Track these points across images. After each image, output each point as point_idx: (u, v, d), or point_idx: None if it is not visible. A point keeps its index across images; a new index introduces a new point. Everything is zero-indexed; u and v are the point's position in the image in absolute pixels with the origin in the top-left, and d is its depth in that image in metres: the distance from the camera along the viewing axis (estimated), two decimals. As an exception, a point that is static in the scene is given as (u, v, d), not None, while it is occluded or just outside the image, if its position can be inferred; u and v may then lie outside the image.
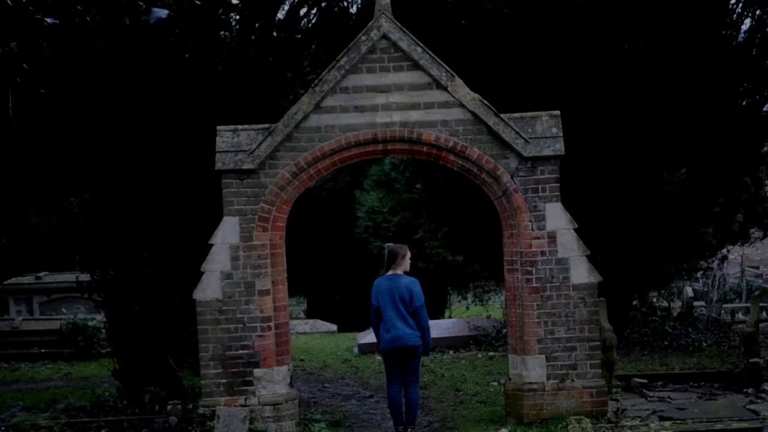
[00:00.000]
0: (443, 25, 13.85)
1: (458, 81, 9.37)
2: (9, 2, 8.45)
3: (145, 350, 11.19)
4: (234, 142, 9.36)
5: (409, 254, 9.40)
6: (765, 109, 15.48)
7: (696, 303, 19.28)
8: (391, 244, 10.62)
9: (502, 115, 9.33)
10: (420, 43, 9.36)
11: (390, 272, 9.22)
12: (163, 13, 9.54)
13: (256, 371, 9.28)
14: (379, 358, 14.91)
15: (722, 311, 19.39)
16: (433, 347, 15.55)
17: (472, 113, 9.34)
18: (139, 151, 11.00)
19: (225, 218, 9.33)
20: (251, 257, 9.28)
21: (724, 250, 18.46)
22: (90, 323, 16.84)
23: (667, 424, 8.78)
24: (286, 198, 9.41)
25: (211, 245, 9.31)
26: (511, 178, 9.33)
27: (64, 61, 10.55)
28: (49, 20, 8.80)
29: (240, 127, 9.47)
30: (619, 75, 13.51)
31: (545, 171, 9.33)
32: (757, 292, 17.18)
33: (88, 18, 9.80)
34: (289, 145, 9.37)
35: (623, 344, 14.03)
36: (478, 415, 10.25)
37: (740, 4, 14.91)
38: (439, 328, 16.72)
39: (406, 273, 9.25)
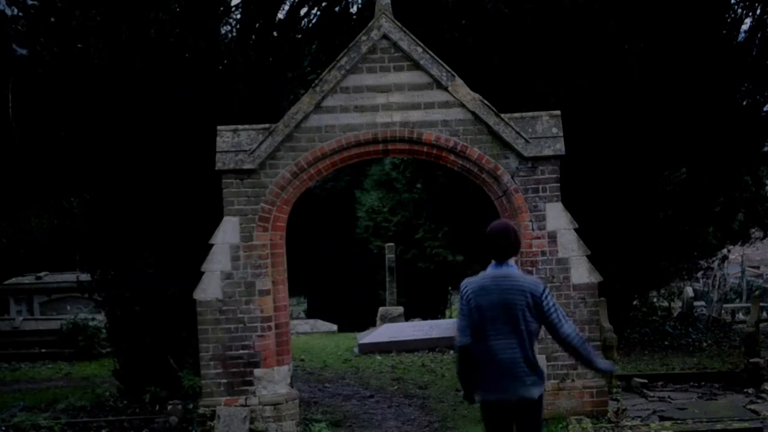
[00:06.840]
0: (443, 24, 13.83)
1: (458, 81, 9.36)
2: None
3: (146, 350, 11.19)
4: (234, 142, 9.35)
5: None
6: (765, 109, 15.47)
7: (696, 303, 19.29)
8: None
9: (502, 115, 9.32)
10: (420, 43, 9.35)
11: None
12: None
13: (257, 371, 9.27)
14: (380, 357, 14.90)
15: (722, 311, 19.40)
16: (433, 347, 15.57)
17: (473, 113, 9.33)
18: (139, 151, 10.99)
19: (225, 218, 9.32)
20: (251, 257, 9.27)
21: (725, 250, 18.51)
22: (91, 323, 16.82)
23: (667, 424, 8.78)
24: (286, 198, 9.40)
25: (212, 245, 9.30)
26: (512, 178, 9.32)
27: (64, 61, 10.55)
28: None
29: (240, 127, 9.46)
30: (619, 75, 13.50)
31: (546, 171, 9.32)
32: (758, 292, 17.19)
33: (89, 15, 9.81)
34: (290, 145, 9.36)
35: (623, 344, 14.01)
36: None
37: (740, 4, 14.90)
38: (439, 328, 16.72)
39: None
